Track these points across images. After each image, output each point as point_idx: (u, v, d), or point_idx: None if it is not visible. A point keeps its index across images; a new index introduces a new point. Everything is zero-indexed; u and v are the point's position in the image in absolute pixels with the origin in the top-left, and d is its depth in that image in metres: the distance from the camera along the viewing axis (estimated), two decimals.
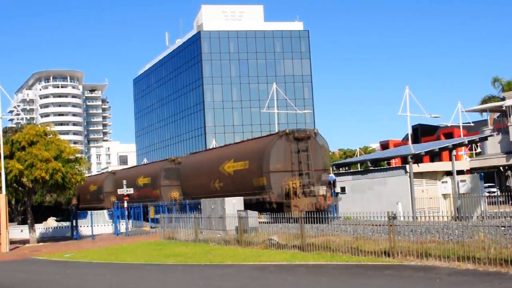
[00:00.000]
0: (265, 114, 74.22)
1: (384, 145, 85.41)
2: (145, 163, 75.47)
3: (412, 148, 33.35)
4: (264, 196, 30.55)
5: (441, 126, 67.44)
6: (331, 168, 37.01)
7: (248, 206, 27.94)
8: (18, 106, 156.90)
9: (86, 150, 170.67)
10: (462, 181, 30.25)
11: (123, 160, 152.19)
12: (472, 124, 54.53)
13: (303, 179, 30.16)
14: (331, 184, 31.93)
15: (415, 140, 63.23)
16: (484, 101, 55.56)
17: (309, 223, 19.84)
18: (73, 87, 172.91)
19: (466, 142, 36.05)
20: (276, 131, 39.50)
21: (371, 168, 33.86)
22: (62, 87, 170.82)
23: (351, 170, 35.75)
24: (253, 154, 32.89)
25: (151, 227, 40.60)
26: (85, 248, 27.91)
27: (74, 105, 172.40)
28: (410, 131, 50.77)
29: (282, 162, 30.35)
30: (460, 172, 31.51)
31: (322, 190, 29.76)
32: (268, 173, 30.25)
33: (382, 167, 36.78)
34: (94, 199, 56.55)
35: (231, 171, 34.55)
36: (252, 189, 31.53)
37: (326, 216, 22.63)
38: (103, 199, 53.69)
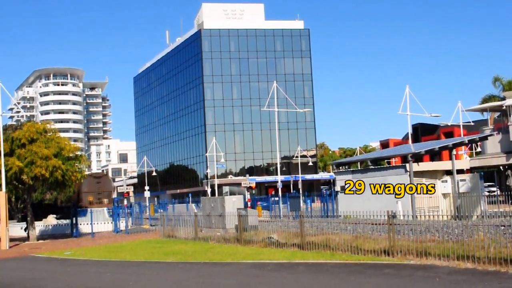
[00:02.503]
0: (265, 112, 74.28)
1: (384, 144, 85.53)
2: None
3: (412, 147, 33.34)
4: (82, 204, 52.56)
5: (441, 125, 67.53)
6: (331, 167, 37.71)
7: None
8: (18, 103, 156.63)
9: (86, 148, 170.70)
10: (462, 180, 30.19)
11: (123, 158, 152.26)
12: (472, 124, 54.55)
13: (97, 196, 54.20)
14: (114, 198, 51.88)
15: (415, 139, 63.32)
16: (484, 101, 55.61)
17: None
18: (74, 85, 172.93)
19: (466, 142, 36.02)
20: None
21: (371, 167, 33.81)
22: (62, 84, 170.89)
23: (351, 169, 35.74)
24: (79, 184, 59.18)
25: (151, 225, 40.68)
26: (85, 246, 27.94)
27: (74, 103, 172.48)
28: (410, 130, 50.71)
29: (88, 188, 52.99)
30: (460, 172, 31.47)
31: (105, 200, 52.46)
32: (82, 193, 53.13)
33: (382, 166, 36.77)
34: None
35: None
36: (79, 200, 53.69)
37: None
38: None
